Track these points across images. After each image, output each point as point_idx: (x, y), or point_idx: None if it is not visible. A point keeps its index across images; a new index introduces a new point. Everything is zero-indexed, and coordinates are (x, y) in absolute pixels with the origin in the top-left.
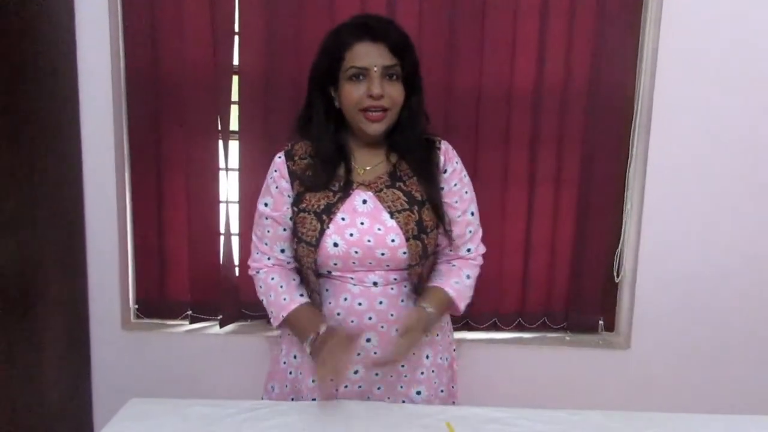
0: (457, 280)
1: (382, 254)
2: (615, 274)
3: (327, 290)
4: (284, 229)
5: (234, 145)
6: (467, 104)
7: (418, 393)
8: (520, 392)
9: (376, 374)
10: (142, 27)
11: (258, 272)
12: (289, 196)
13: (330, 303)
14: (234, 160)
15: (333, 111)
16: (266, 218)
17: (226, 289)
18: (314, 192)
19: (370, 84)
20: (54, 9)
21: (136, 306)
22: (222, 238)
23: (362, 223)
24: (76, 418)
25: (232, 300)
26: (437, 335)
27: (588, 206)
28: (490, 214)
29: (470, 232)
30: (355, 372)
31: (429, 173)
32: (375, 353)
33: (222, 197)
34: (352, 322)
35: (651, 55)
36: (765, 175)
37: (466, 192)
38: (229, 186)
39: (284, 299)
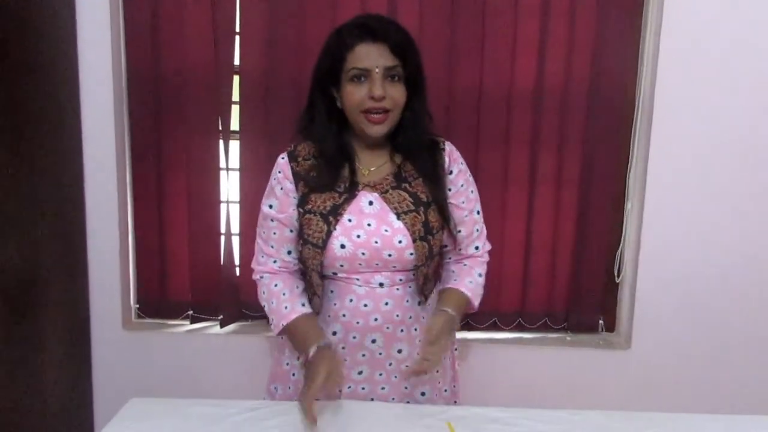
0: (471, 280)
1: (389, 255)
2: (615, 274)
3: (332, 291)
4: (290, 231)
5: (235, 145)
6: (468, 104)
7: (423, 394)
8: (520, 392)
9: (380, 374)
10: (143, 27)
11: (262, 277)
12: (294, 197)
13: (335, 304)
14: (235, 160)
15: (335, 111)
16: (272, 220)
17: (226, 289)
18: (319, 193)
19: (371, 85)
20: (55, 9)
21: (137, 306)
22: (223, 238)
23: (369, 225)
24: (77, 418)
25: (232, 300)
26: None
27: (588, 206)
28: (491, 214)
29: (477, 230)
30: (360, 373)
31: (435, 175)
32: (380, 354)
33: (223, 197)
34: (358, 323)
35: (652, 55)
36: (765, 175)
37: (472, 191)
38: (229, 186)
39: (285, 308)
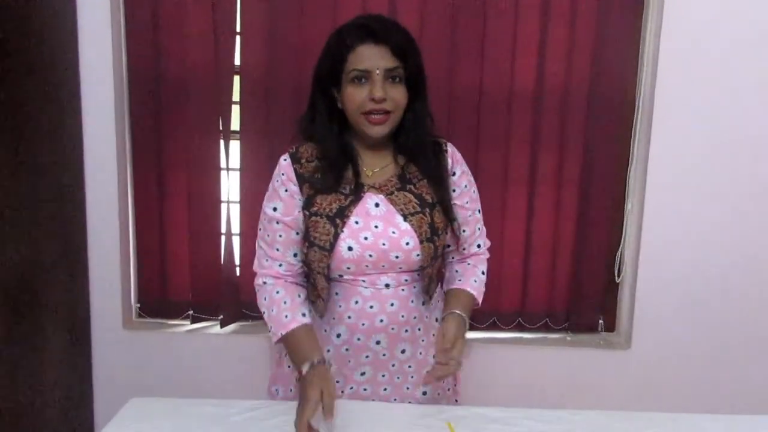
0: (475, 279)
1: (396, 257)
2: (615, 274)
3: (336, 294)
4: (296, 233)
5: (235, 145)
6: (468, 104)
7: (424, 393)
8: (520, 392)
9: (383, 375)
10: (143, 27)
11: (265, 282)
12: (299, 199)
13: (340, 306)
14: (235, 159)
15: (336, 112)
16: (277, 223)
17: (227, 289)
18: (324, 195)
19: (372, 87)
20: (56, 9)
21: (138, 305)
22: (223, 238)
23: (376, 227)
24: (77, 418)
25: (233, 300)
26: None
27: (589, 206)
28: (491, 214)
29: (479, 229)
30: (362, 374)
31: (440, 177)
32: (384, 355)
33: (223, 197)
34: (363, 325)
35: (652, 56)
36: (765, 175)
37: (474, 191)
38: (230, 186)
39: (286, 316)
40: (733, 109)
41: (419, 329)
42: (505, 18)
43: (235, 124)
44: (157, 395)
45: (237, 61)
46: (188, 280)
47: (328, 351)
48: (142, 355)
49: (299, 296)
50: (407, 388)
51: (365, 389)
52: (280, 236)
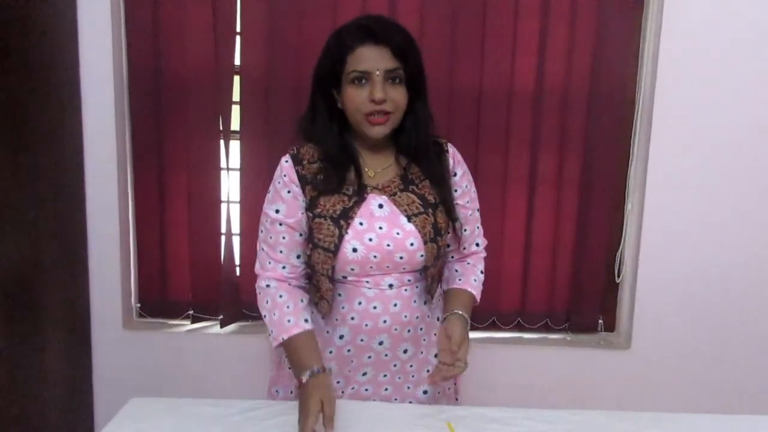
0: (475, 278)
1: (401, 258)
2: (615, 274)
3: (340, 295)
4: (300, 235)
5: (235, 145)
6: (468, 104)
7: (425, 393)
8: (520, 392)
9: (385, 375)
10: (144, 27)
11: (268, 285)
12: (302, 201)
13: (344, 307)
14: (235, 159)
15: (336, 112)
16: (280, 224)
17: (227, 289)
18: (327, 196)
19: (372, 88)
20: (56, 9)
21: (138, 305)
22: (223, 238)
23: (381, 228)
24: (77, 418)
25: (233, 300)
26: None
27: (589, 206)
28: (491, 214)
29: (478, 228)
30: (364, 374)
31: (442, 177)
32: (386, 355)
33: (223, 197)
34: (366, 325)
35: (652, 56)
36: (765, 175)
37: (473, 191)
38: (230, 186)
39: (288, 321)
40: (733, 108)
41: (421, 329)
42: (505, 17)
43: (235, 124)
44: (157, 395)
45: (237, 61)
46: (188, 280)
47: (331, 352)
48: (142, 355)
49: (302, 301)
50: (408, 388)
51: (366, 389)
52: (284, 238)
